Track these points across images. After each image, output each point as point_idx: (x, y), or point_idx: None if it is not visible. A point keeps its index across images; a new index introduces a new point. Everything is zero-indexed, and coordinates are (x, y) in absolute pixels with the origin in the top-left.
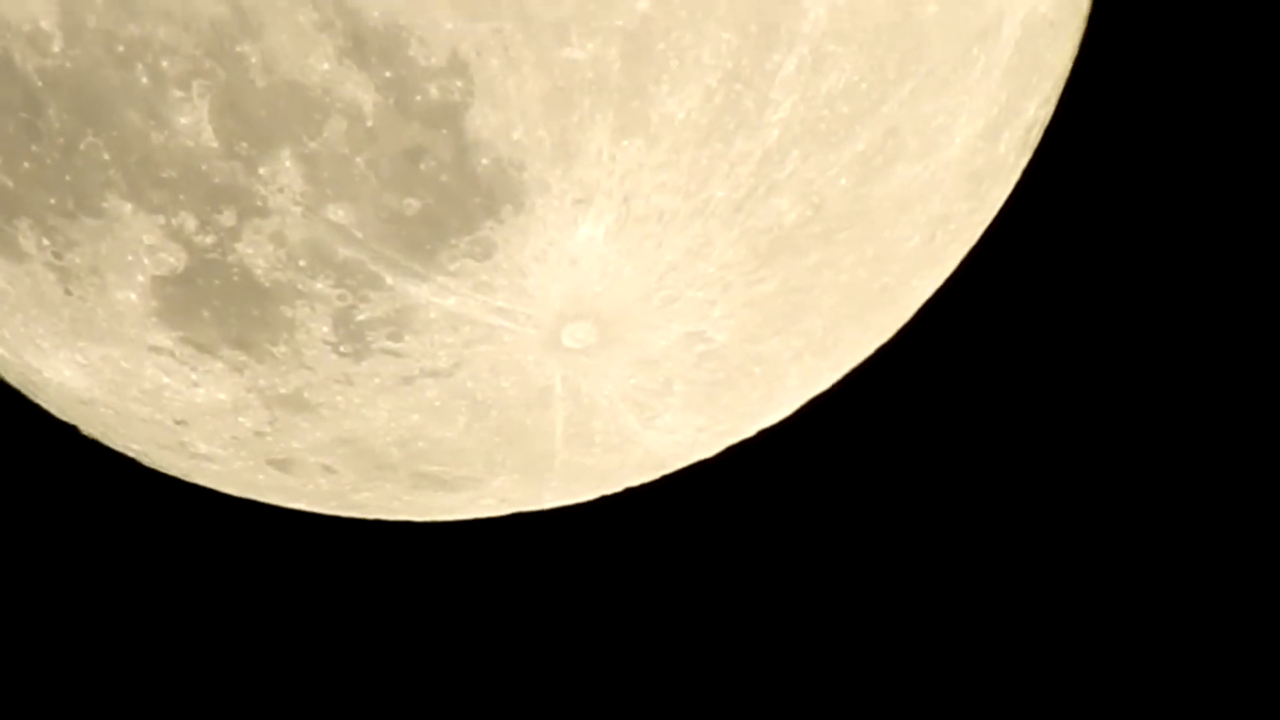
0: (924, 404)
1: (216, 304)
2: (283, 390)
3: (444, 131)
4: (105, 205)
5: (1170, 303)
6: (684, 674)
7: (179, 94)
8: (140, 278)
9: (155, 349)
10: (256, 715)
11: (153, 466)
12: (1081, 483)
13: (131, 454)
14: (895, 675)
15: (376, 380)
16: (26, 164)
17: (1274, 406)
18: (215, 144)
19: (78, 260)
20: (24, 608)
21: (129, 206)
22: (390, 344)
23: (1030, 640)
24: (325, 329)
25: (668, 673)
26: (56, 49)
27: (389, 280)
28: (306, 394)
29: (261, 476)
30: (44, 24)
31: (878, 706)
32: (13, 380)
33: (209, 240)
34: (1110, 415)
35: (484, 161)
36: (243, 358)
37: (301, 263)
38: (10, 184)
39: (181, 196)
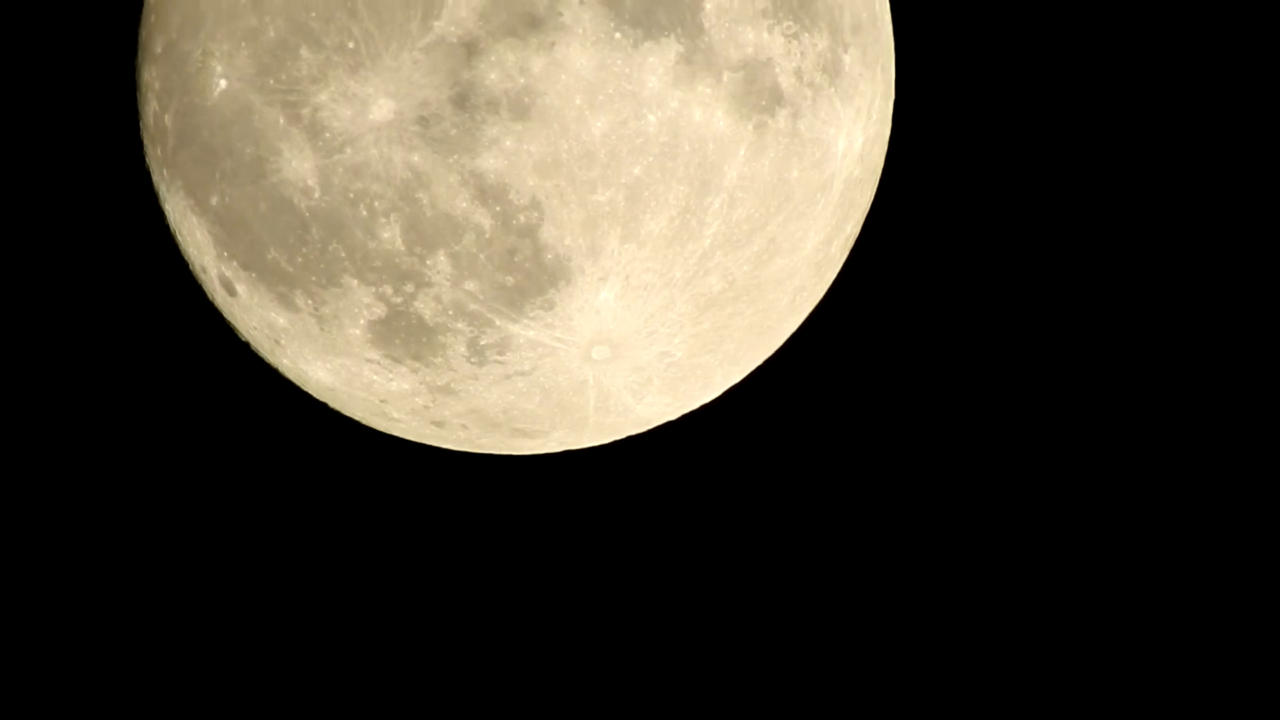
0: (793, 391)
1: (403, 336)
2: (439, 383)
3: (527, 240)
4: (343, 281)
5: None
6: (660, 564)
7: (383, 220)
8: (362, 321)
9: (370, 360)
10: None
11: (369, 425)
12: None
13: (356, 419)
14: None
15: (490, 377)
16: (299, 258)
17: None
18: (402, 247)
19: (327, 311)
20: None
21: (355, 282)
22: (498, 357)
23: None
24: (463, 349)
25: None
26: (316, 195)
27: (497, 322)
28: (453, 385)
29: (428, 430)
30: (310, 181)
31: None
32: (292, 378)
33: (399, 300)
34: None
35: (549, 256)
36: (417, 365)
37: (450, 313)
38: (290, 269)
39: (384, 276)
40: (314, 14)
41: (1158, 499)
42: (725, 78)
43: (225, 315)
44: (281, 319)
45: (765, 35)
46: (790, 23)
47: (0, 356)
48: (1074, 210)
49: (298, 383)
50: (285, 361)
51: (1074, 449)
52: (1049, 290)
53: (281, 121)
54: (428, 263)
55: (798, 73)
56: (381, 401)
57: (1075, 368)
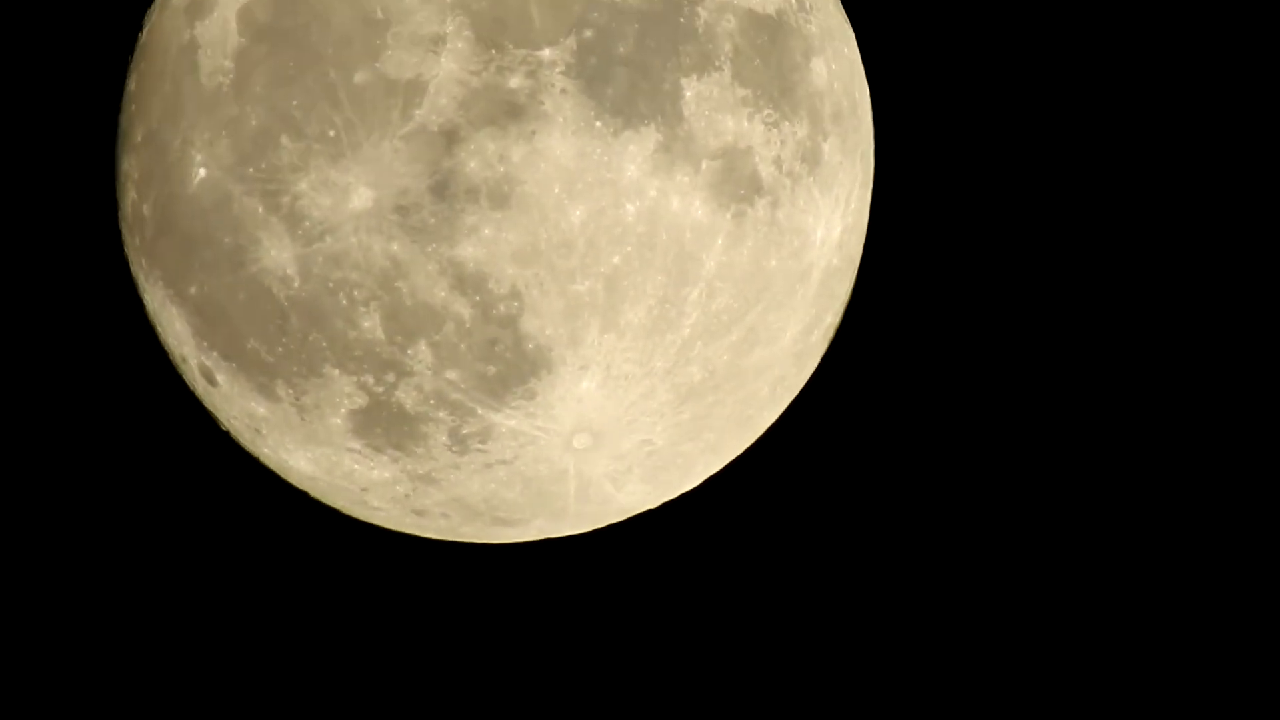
0: (773, 481)
1: (384, 425)
2: (420, 472)
3: (507, 329)
4: (324, 371)
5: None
6: (641, 639)
7: (363, 309)
8: (343, 410)
9: (351, 450)
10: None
11: (350, 514)
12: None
13: (338, 508)
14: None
15: (472, 466)
16: (279, 347)
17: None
18: (383, 337)
19: (308, 401)
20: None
21: (336, 371)
22: (480, 446)
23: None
24: (444, 438)
25: (633, 637)
26: (295, 284)
27: (479, 411)
28: (434, 474)
29: (409, 519)
30: (289, 270)
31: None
32: (273, 468)
33: (380, 390)
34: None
35: (530, 346)
36: (399, 454)
37: (432, 402)
38: (270, 359)
39: (365, 366)
40: (296, 103)
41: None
42: (704, 166)
43: (206, 405)
44: (262, 409)
45: (745, 123)
46: (770, 111)
47: None
48: (1052, 300)
49: (279, 472)
50: (266, 451)
51: (1062, 542)
52: (1029, 382)
53: (261, 210)
54: (409, 352)
55: (777, 161)
56: (363, 490)
57: (1057, 459)
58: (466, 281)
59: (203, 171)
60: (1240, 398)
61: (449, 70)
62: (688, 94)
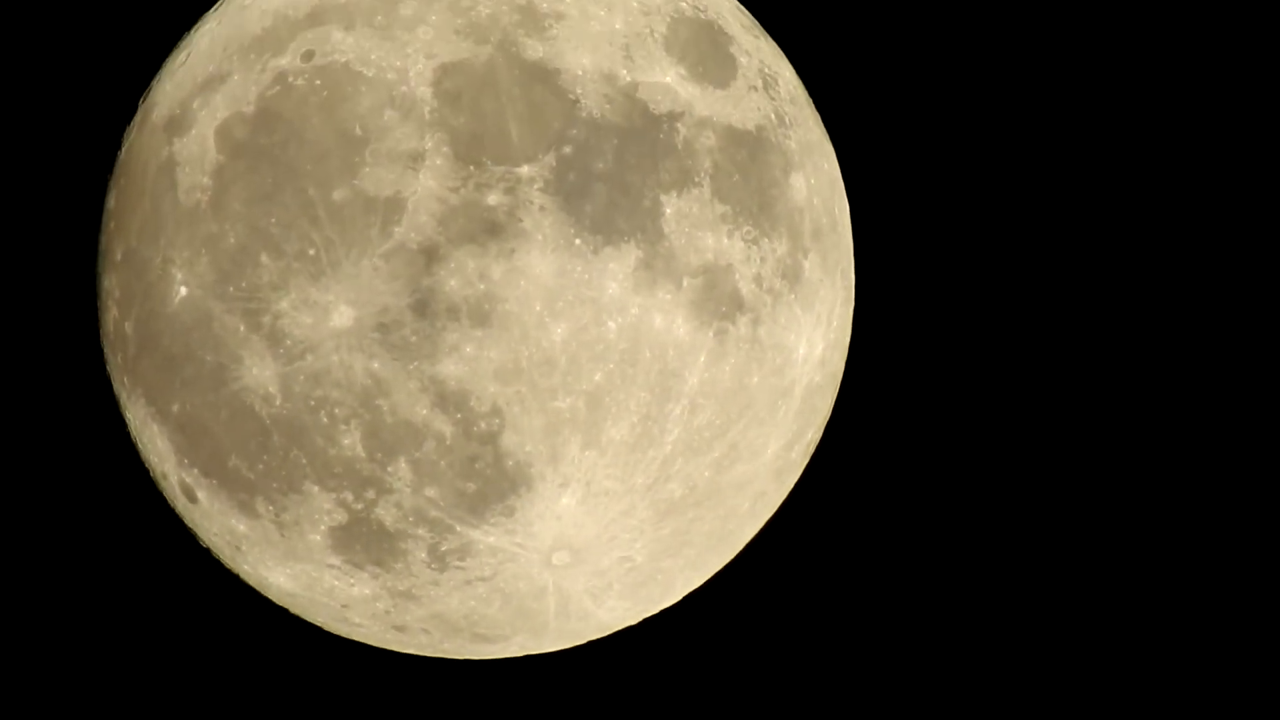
0: (753, 596)
1: (364, 542)
2: (400, 589)
3: (488, 447)
4: (304, 488)
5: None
6: None
7: (343, 427)
8: (322, 527)
9: (331, 566)
10: None
11: (330, 630)
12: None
13: (317, 624)
14: None
15: (451, 583)
16: (260, 465)
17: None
18: (363, 454)
19: (287, 518)
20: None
21: (316, 489)
22: (459, 563)
23: None
24: (424, 555)
25: None
26: (277, 402)
27: (458, 528)
28: (414, 590)
29: (389, 635)
30: (271, 389)
31: None
32: (253, 584)
33: (360, 507)
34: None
35: (510, 463)
36: (378, 571)
37: (411, 519)
38: (251, 476)
39: (345, 483)
40: (275, 221)
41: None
42: (685, 283)
43: (186, 522)
44: (242, 525)
45: (725, 241)
46: (750, 228)
47: None
48: (1032, 416)
49: (259, 589)
50: (246, 568)
51: (1056, 638)
52: (1010, 496)
53: (242, 329)
54: (388, 469)
55: (758, 278)
56: (343, 607)
57: (1037, 576)
58: (448, 399)
59: (183, 290)
60: (1239, 441)
61: (428, 187)
62: (668, 211)
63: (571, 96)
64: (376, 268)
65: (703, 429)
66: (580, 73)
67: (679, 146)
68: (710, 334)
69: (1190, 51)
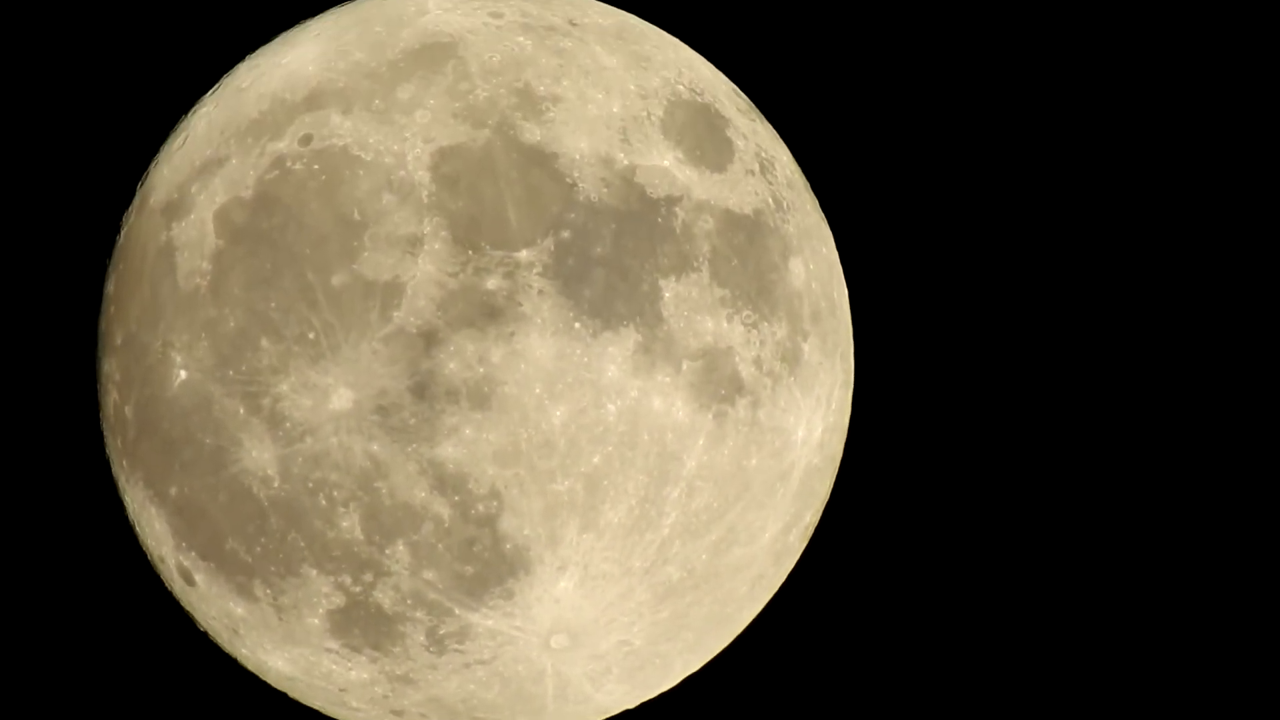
0: (751, 678)
1: (363, 625)
2: (398, 672)
3: (486, 529)
4: (302, 571)
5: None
6: None
7: (342, 509)
8: (320, 610)
9: (329, 650)
10: None
11: (328, 715)
12: None
13: (315, 708)
14: None
15: (449, 667)
16: (258, 548)
17: None
18: (362, 537)
19: (285, 601)
20: None
21: (315, 571)
22: (457, 646)
23: None
24: (422, 638)
25: None
26: (275, 485)
27: (456, 611)
28: (412, 674)
29: (387, 719)
30: (270, 471)
31: None
32: (250, 668)
33: (358, 590)
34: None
35: (508, 546)
36: (376, 654)
37: (409, 602)
38: (249, 559)
39: (343, 566)
40: (274, 305)
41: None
42: (684, 366)
43: (183, 604)
44: (240, 609)
45: (724, 324)
46: (749, 312)
47: None
48: (1032, 499)
49: (257, 672)
50: (244, 651)
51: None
52: (1010, 578)
53: (242, 412)
54: (386, 552)
55: (757, 361)
56: (341, 691)
57: (1039, 643)
58: (446, 482)
59: (183, 373)
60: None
61: (426, 272)
62: (666, 295)
63: (569, 180)
64: (376, 351)
65: (701, 512)
66: (578, 156)
67: (677, 231)
68: (709, 416)
69: (1182, 132)
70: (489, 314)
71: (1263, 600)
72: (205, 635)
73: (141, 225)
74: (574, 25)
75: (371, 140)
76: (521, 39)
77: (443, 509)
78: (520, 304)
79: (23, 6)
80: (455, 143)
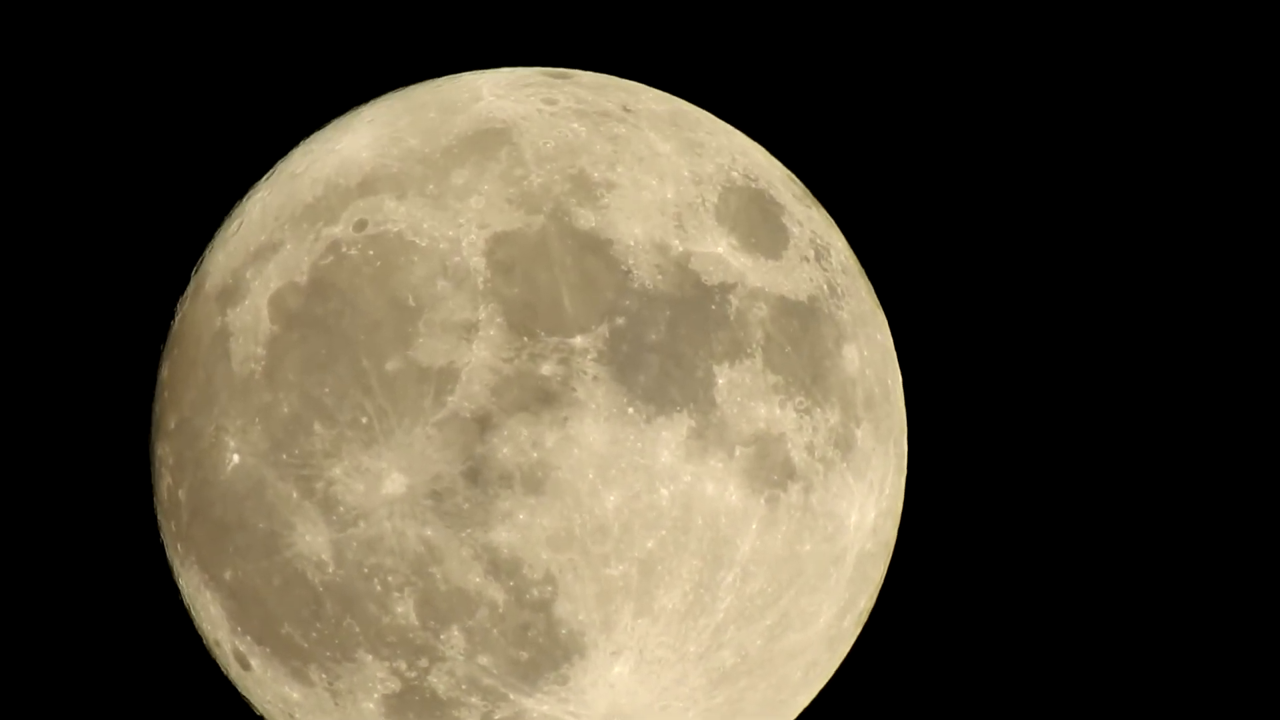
0: None
1: (417, 710)
2: None
3: (540, 614)
4: (356, 656)
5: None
6: None
7: (396, 595)
8: (376, 695)
9: None
10: None
11: None
12: None
13: None
14: None
15: None
16: (313, 633)
17: None
18: (416, 622)
19: (341, 686)
20: None
21: (370, 657)
22: None
23: None
24: None
25: None
26: (330, 570)
27: (511, 696)
28: None
29: None
30: (324, 556)
31: None
32: None
33: (413, 675)
34: None
35: (563, 631)
36: None
37: (464, 687)
38: (304, 644)
39: (398, 651)
40: (328, 390)
41: None
42: (738, 452)
43: (240, 689)
44: (296, 693)
45: (777, 410)
46: (802, 398)
47: None
48: (1089, 587)
49: None
50: None
51: None
52: (1065, 663)
53: (295, 496)
54: (441, 637)
55: (810, 447)
56: None
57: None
58: (500, 567)
59: (236, 458)
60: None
61: (481, 357)
62: (720, 381)
63: (624, 267)
64: (430, 436)
65: (755, 597)
66: (632, 243)
67: (731, 318)
68: (762, 501)
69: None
70: (543, 399)
71: None
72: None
73: (196, 310)
74: (628, 111)
75: (426, 226)
76: (576, 125)
77: (497, 594)
78: (574, 389)
79: (78, 88)
80: (510, 229)
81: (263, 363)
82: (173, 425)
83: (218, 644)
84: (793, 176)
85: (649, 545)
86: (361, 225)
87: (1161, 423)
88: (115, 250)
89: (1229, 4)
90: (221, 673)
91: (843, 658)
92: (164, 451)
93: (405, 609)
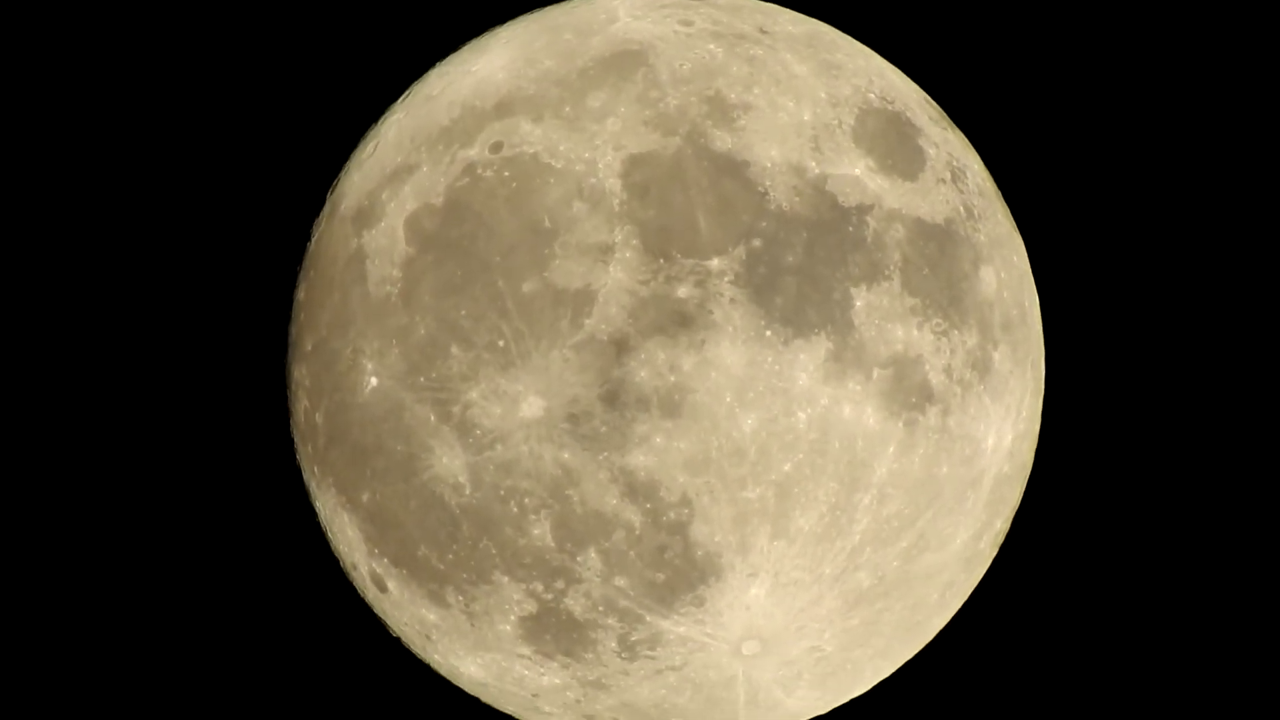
0: (943, 686)
1: (554, 632)
2: (590, 678)
3: (677, 537)
4: (493, 578)
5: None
6: None
7: (533, 517)
8: (512, 617)
9: (521, 656)
10: None
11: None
12: None
13: (508, 713)
14: None
15: (641, 672)
16: (450, 555)
17: None
18: (553, 544)
19: (477, 608)
20: None
21: (506, 579)
22: (649, 652)
23: None
24: (614, 645)
25: None
26: (466, 492)
27: (648, 618)
28: (604, 680)
29: None
30: (460, 479)
31: None
32: (443, 674)
33: (549, 597)
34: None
35: (699, 553)
36: (568, 660)
37: (600, 608)
38: (441, 567)
39: (534, 573)
40: (464, 313)
41: None
42: (875, 375)
43: (376, 611)
44: (432, 615)
45: (915, 332)
46: (939, 320)
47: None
48: (1223, 503)
49: (449, 678)
50: (436, 657)
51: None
52: (1203, 585)
53: (432, 419)
54: (578, 559)
55: (947, 370)
56: (533, 696)
57: (1236, 641)
58: (637, 489)
59: (373, 380)
60: None
61: (617, 279)
62: (857, 303)
63: (760, 189)
64: (567, 359)
65: (891, 519)
66: (769, 165)
67: (868, 240)
68: (900, 424)
69: None
70: (680, 322)
71: None
72: (398, 641)
73: (332, 232)
74: (764, 33)
75: (562, 148)
76: (712, 47)
77: (634, 516)
78: (711, 312)
79: (219, 14)
80: (646, 150)
81: (399, 285)
82: (309, 347)
83: (354, 566)
84: (929, 99)
85: (785, 468)
86: (497, 147)
87: None
88: (252, 173)
89: None
90: (358, 595)
91: (979, 579)
92: (300, 374)
93: (542, 531)
